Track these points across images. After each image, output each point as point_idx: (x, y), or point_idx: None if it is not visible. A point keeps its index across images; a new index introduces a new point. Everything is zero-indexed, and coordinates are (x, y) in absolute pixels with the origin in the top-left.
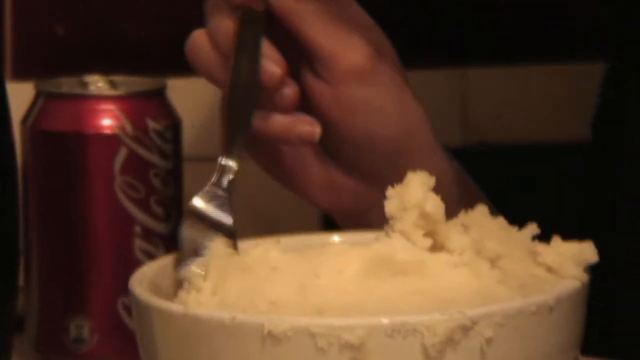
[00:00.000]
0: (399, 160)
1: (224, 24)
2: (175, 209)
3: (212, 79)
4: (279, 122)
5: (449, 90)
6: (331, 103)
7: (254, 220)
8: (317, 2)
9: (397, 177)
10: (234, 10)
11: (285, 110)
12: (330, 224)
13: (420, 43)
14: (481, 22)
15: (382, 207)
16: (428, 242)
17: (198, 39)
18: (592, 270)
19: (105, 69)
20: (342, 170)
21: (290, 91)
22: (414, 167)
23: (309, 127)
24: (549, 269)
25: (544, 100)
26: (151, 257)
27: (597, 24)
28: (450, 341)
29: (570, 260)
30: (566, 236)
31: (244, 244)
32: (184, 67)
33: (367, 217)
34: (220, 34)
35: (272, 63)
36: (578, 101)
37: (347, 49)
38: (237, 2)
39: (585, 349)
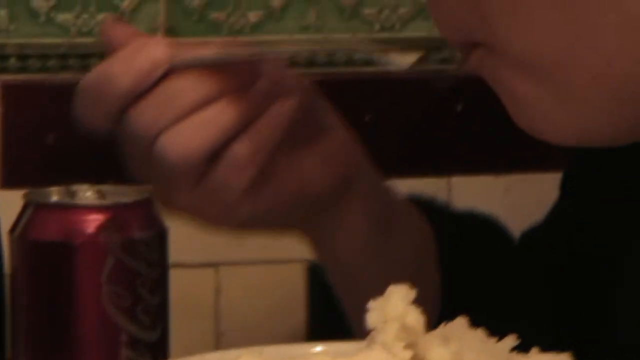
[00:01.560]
0: None
1: None
2: (162, 317)
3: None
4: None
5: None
6: None
7: (239, 329)
8: None
9: None
10: None
11: None
12: (315, 333)
13: (407, 152)
14: (466, 133)
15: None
16: (408, 354)
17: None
18: None
19: (95, 177)
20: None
21: None
22: None
23: None
24: None
25: (527, 207)
26: None
27: None
28: None
29: None
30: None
31: (227, 355)
32: None
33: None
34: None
35: None
36: None
37: None
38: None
39: None
